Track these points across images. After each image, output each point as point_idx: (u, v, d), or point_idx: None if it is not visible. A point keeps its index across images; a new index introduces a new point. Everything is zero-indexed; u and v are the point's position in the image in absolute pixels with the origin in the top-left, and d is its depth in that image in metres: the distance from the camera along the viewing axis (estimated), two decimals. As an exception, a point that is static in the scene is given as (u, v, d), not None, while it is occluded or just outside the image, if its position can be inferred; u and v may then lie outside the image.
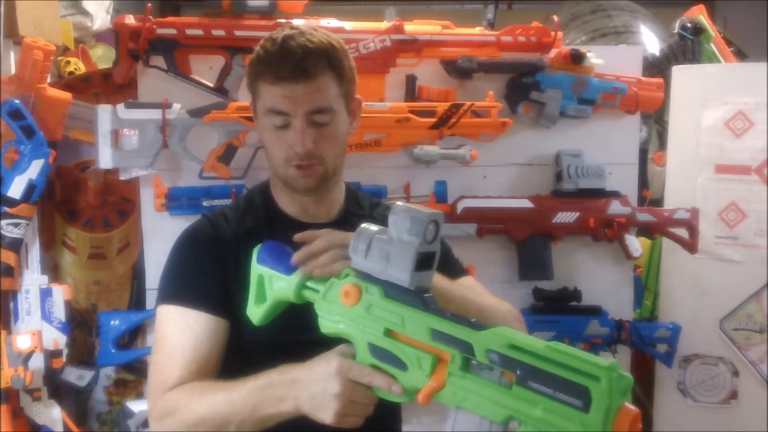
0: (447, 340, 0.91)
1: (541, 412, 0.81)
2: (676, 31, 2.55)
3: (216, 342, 1.26)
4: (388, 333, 0.98)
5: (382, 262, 0.96)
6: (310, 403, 1.05)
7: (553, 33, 1.97)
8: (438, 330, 0.92)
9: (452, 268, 1.41)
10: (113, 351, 1.93)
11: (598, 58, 2.00)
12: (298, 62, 1.23)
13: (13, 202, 1.77)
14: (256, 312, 1.16)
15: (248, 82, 1.34)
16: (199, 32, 1.83)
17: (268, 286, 1.13)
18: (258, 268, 1.15)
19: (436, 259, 0.98)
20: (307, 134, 1.26)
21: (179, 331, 1.25)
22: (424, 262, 0.95)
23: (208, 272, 1.29)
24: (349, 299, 1.01)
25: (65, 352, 1.88)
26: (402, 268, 0.94)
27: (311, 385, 1.05)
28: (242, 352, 1.28)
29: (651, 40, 2.96)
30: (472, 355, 0.89)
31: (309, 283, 1.09)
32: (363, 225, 1.01)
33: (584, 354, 0.80)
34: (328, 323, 1.06)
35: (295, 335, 1.16)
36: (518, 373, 0.84)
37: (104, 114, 1.81)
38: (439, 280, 1.12)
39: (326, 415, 1.04)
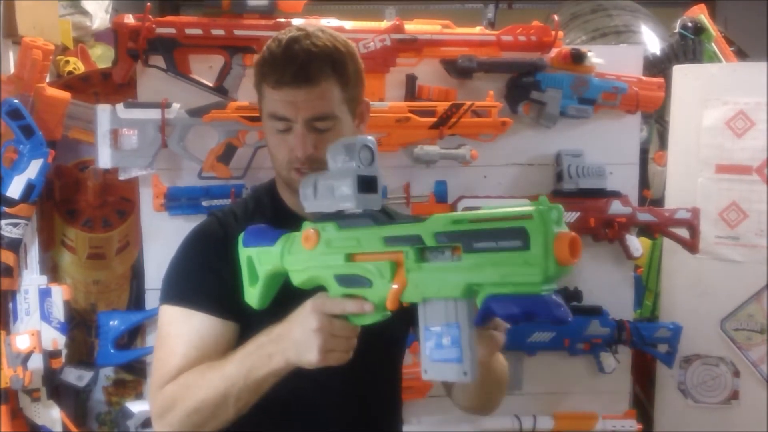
0: (398, 240, 0.97)
1: (491, 267, 0.85)
2: (676, 30, 2.55)
3: (222, 345, 1.25)
4: (349, 258, 1.03)
5: (329, 196, 1.03)
6: (295, 350, 1.07)
7: (553, 32, 1.96)
8: (389, 235, 0.98)
9: None
10: (112, 351, 1.93)
11: (599, 57, 2.00)
12: (299, 67, 1.22)
13: (12, 202, 1.77)
14: (252, 294, 1.18)
15: (255, 82, 1.33)
16: (198, 32, 1.83)
17: (258, 263, 1.16)
18: (245, 251, 1.18)
19: (379, 183, 1.04)
20: (307, 140, 1.25)
21: (185, 332, 1.24)
22: (366, 185, 1.01)
23: (217, 273, 1.27)
24: (309, 243, 1.07)
25: (64, 352, 1.88)
26: (347, 194, 1.01)
27: (292, 331, 1.08)
28: None
29: (652, 40, 2.95)
30: (422, 243, 0.94)
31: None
32: (305, 177, 1.08)
33: (517, 204, 0.86)
34: (296, 274, 1.11)
35: None
36: (464, 241, 0.89)
37: (103, 114, 1.81)
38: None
39: (311, 354, 1.05)
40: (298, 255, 1.10)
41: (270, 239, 1.15)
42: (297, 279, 1.11)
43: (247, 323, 1.26)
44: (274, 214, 1.36)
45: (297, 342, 1.07)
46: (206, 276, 1.28)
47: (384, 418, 1.39)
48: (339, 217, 1.04)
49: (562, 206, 0.84)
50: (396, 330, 1.34)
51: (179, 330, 1.25)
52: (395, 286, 0.97)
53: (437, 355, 0.94)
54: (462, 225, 0.89)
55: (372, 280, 1.01)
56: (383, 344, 1.28)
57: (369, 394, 1.31)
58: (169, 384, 1.21)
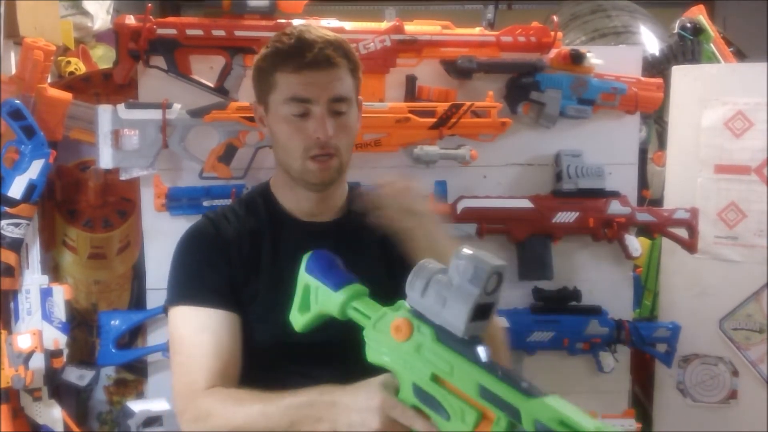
0: (495, 400, 0.89)
1: None
2: (675, 31, 2.55)
3: (234, 336, 1.27)
4: (435, 378, 0.95)
5: (438, 304, 0.93)
6: (347, 430, 1.05)
7: (552, 33, 1.97)
8: (487, 388, 0.90)
9: None
10: (114, 351, 1.93)
11: (598, 58, 2.00)
12: (319, 50, 1.27)
13: (13, 202, 1.77)
14: (299, 320, 1.15)
15: (261, 77, 1.34)
16: (199, 32, 1.83)
17: (314, 297, 1.12)
18: (306, 278, 1.13)
19: (494, 310, 0.95)
20: (328, 122, 1.28)
21: (197, 331, 1.25)
22: (481, 313, 0.92)
23: (215, 268, 1.29)
24: (399, 335, 0.99)
25: (66, 351, 1.88)
26: (458, 315, 0.91)
27: (351, 413, 1.04)
28: (247, 350, 1.28)
29: (651, 41, 2.96)
30: (518, 422, 0.86)
31: (355, 304, 1.07)
32: (423, 261, 0.99)
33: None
34: (374, 353, 1.04)
35: (301, 335, 1.16)
36: None
37: (105, 114, 1.81)
38: None
39: None
40: (382, 336, 1.02)
41: (334, 282, 1.09)
42: (373, 357, 1.03)
43: (244, 320, 1.28)
44: (268, 214, 1.38)
45: (351, 425, 1.04)
46: (206, 271, 1.30)
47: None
48: (439, 327, 0.95)
49: None
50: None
51: (191, 329, 1.26)
52: None
53: None
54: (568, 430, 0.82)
55: (451, 415, 0.93)
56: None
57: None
58: (205, 396, 1.21)
